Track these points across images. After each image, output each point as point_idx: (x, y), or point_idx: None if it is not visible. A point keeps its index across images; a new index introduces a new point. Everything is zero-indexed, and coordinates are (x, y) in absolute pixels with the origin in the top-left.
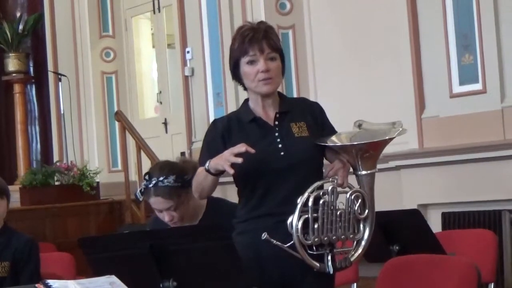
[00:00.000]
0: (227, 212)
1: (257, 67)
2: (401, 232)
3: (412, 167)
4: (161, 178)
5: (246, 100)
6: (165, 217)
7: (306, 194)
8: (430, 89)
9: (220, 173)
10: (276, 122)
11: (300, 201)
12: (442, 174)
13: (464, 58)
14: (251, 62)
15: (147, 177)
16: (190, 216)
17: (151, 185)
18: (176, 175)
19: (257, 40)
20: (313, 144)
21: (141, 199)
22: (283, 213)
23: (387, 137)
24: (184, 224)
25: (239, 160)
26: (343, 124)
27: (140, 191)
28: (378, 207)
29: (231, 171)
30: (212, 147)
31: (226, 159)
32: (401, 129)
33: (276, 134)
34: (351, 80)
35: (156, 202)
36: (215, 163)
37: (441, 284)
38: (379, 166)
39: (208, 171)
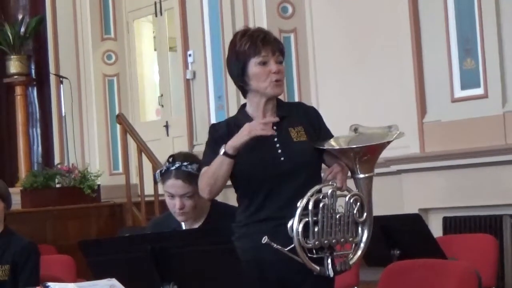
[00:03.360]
0: (230, 215)
1: (269, 68)
2: (402, 236)
3: (413, 171)
4: (185, 163)
5: (243, 106)
6: (177, 203)
7: (306, 198)
8: (432, 93)
9: (237, 154)
10: (275, 127)
11: (300, 204)
12: (443, 179)
13: (466, 62)
14: (263, 63)
15: (170, 159)
16: (199, 211)
17: (173, 168)
18: (199, 165)
19: (269, 42)
20: (312, 148)
21: (159, 180)
22: (283, 217)
23: (385, 140)
24: (191, 218)
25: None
26: (344, 128)
27: (161, 171)
28: (379, 212)
29: (269, 133)
30: (216, 148)
31: (250, 130)
32: (398, 132)
33: (275, 139)
34: (353, 84)
35: (175, 185)
36: (233, 141)
37: None
38: (380, 170)
39: (225, 153)
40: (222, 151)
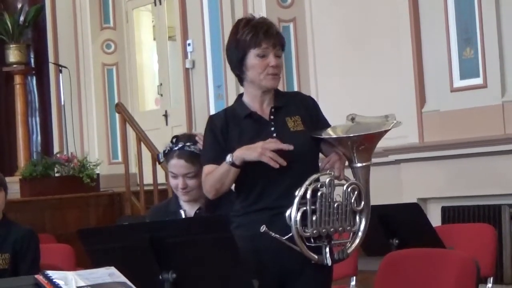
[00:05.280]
0: (228, 200)
1: (267, 61)
2: (401, 226)
3: (412, 161)
4: (188, 144)
5: (240, 96)
6: (179, 183)
7: (303, 187)
8: (431, 83)
9: (244, 164)
10: (272, 117)
11: (298, 193)
12: (442, 168)
13: (465, 52)
14: (262, 55)
15: (174, 140)
16: (201, 191)
17: (176, 148)
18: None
19: (272, 35)
20: (309, 137)
21: (162, 160)
22: (281, 206)
23: (382, 129)
24: (193, 197)
25: (282, 162)
26: (343, 118)
27: (164, 152)
28: (378, 201)
29: (276, 166)
30: (216, 144)
31: (261, 153)
32: (395, 121)
33: (272, 128)
34: (352, 74)
35: (177, 165)
36: (242, 153)
37: (440, 278)
38: (379, 160)
39: (233, 164)
40: (229, 160)
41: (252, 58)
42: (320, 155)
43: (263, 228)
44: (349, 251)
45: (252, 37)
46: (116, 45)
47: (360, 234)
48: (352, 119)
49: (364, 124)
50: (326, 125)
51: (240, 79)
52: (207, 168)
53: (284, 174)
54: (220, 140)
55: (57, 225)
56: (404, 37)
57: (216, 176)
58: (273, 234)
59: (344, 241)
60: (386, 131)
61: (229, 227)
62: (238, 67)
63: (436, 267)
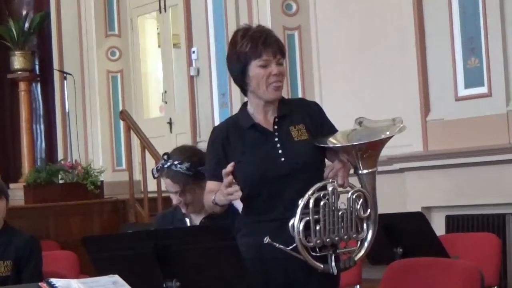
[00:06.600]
0: (230, 211)
1: (269, 70)
2: (405, 234)
3: (417, 169)
4: (176, 162)
5: (245, 104)
6: (173, 199)
7: (306, 196)
8: (436, 92)
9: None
10: (275, 127)
11: (301, 203)
12: (447, 177)
13: (470, 61)
14: (263, 66)
15: (165, 157)
16: (198, 206)
17: (165, 166)
18: (191, 164)
19: (271, 44)
20: (313, 146)
21: (156, 176)
22: (288, 216)
23: (386, 136)
24: (192, 211)
25: (238, 193)
26: (347, 125)
27: (157, 168)
28: (382, 210)
29: (238, 196)
30: (215, 157)
31: (226, 197)
32: (401, 125)
33: (276, 139)
34: (356, 82)
35: (166, 183)
36: (219, 199)
37: None
38: (383, 168)
39: (216, 204)
40: (213, 197)
41: (253, 68)
42: (327, 161)
43: (266, 240)
44: (356, 258)
45: (251, 48)
46: (121, 52)
47: (366, 242)
48: (360, 123)
49: (370, 129)
50: (332, 129)
51: (243, 90)
52: (208, 185)
53: (289, 185)
54: (220, 155)
55: (61, 232)
56: (408, 45)
57: (207, 203)
58: (277, 245)
59: (350, 249)
60: (389, 138)
61: (233, 236)
62: (241, 78)
63: (440, 276)
